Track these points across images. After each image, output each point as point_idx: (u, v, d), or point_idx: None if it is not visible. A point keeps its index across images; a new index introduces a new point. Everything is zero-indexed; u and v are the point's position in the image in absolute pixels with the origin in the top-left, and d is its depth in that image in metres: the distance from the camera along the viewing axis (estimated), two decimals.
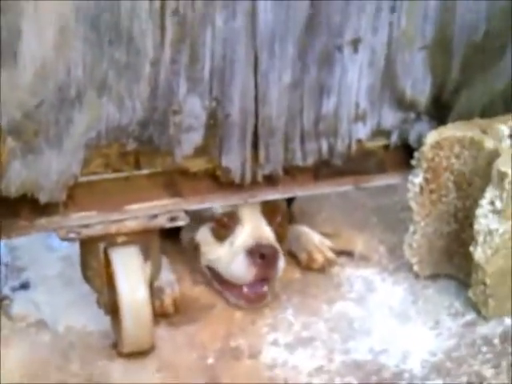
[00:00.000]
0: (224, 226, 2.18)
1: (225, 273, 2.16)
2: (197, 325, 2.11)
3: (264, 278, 2.13)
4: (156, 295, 2.10)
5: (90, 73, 1.81)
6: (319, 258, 2.31)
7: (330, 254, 2.33)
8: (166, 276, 2.17)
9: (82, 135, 1.88)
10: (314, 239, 2.37)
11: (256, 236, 2.14)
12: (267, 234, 2.17)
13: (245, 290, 2.14)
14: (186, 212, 2.05)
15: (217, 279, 2.20)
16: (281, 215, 2.25)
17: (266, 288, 2.15)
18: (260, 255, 2.09)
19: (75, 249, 2.06)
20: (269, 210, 2.20)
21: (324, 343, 2.06)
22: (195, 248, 2.24)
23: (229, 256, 2.15)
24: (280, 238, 2.22)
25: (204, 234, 2.22)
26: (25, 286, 2.25)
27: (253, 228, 2.16)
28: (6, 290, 2.23)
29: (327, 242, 2.37)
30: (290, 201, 2.37)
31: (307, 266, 2.32)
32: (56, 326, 2.11)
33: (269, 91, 2.00)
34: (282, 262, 2.14)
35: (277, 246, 2.15)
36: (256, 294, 2.14)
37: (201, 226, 2.21)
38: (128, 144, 1.95)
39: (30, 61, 1.75)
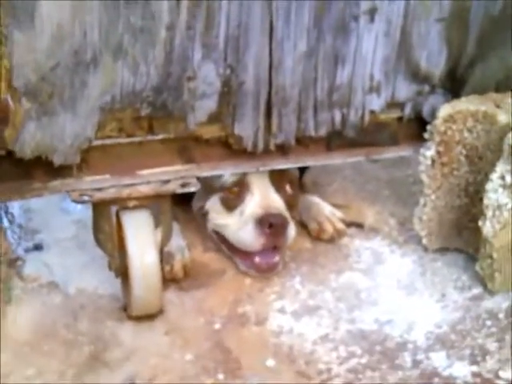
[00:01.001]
0: (234, 196, 2.20)
1: (234, 240, 2.18)
2: (205, 290, 2.14)
3: (273, 247, 2.15)
4: (166, 260, 2.13)
5: (106, 36, 1.82)
6: (329, 229, 2.33)
7: (340, 225, 2.34)
8: (177, 242, 2.19)
9: (97, 99, 1.89)
10: (325, 210, 2.38)
11: (265, 205, 2.15)
12: (277, 203, 2.18)
13: (256, 259, 2.16)
14: (198, 180, 2.06)
15: (225, 244, 2.22)
16: (291, 184, 2.26)
17: (277, 258, 2.17)
18: (269, 224, 2.10)
19: (88, 213, 2.08)
20: (278, 179, 2.21)
21: (330, 312, 2.08)
22: (204, 215, 2.26)
23: (238, 224, 2.16)
24: (290, 206, 2.23)
25: (214, 203, 2.24)
26: (38, 248, 2.28)
27: (262, 197, 2.17)
28: (20, 251, 2.27)
29: (338, 213, 2.38)
30: (302, 170, 2.38)
31: (317, 237, 2.33)
32: (67, 287, 2.14)
33: (283, 60, 2.00)
34: (291, 231, 2.16)
35: (286, 214, 2.16)
36: (267, 264, 2.16)
37: (211, 195, 2.23)
38: (142, 109, 1.96)
39: (46, 23, 1.76)
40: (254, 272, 2.17)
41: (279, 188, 2.21)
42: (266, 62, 1.99)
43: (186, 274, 2.17)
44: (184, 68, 1.94)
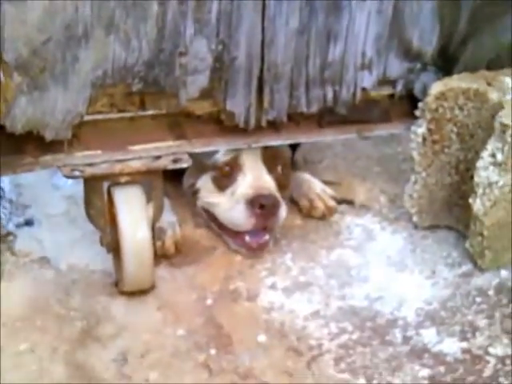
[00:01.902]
0: (225, 175, 2.18)
1: (224, 220, 2.18)
2: (197, 266, 2.14)
3: (264, 227, 2.14)
4: (157, 236, 2.13)
5: (98, 11, 1.82)
6: (320, 206, 2.33)
7: (331, 203, 2.34)
8: (168, 217, 2.19)
9: (88, 73, 1.88)
10: (316, 187, 2.38)
11: (257, 186, 2.14)
12: (268, 183, 2.17)
13: (246, 238, 2.15)
14: (189, 157, 2.06)
15: (215, 223, 2.22)
16: (283, 163, 2.25)
17: (267, 237, 2.16)
18: (260, 205, 2.10)
19: (79, 188, 2.07)
20: (271, 159, 2.21)
21: (321, 288, 2.09)
22: (194, 192, 2.26)
23: (229, 204, 2.16)
24: (282, 186, 2.23)
25: (205, 182, 2.23)
26: (29, 223, 2.28)
27: (254, 178, 2.16)
28: (10, 226, 2.26)
29: (329, 191, 2.38)
30: (293, 148, 2.38)
31: (308, 214, 2.34)
32: (59, 263, 2.14)
33: (275, 36, 2.00)
34: (283, 212, 2.15)
35: (277, 195, 2.15)
36: (257, 243, 2.16)
37: (203, 173, 2.22)
38: (133, 84, 1.96)
39: None
40: (244, 251, 2.17)
41: (271, 168, 2.20)
42: (259, 38, 1.99)
43: (177, 249, 2.17)
44: (176, 43, 1.93)
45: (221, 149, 2.15)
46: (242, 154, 2.17)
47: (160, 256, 2.13)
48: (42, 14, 1.77)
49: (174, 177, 2.21)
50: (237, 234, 2.17)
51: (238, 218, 2.13)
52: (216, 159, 2.18)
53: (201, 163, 2.19)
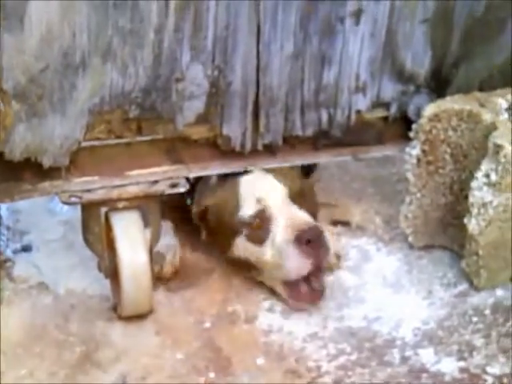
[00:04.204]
0: (258, 229, 2.08)
1: (277, 274, 2.06)
2: (194, 290, 2.15)
3: (319, 264, 2.02)
4: (155, 261, 2.12)
5: (95, 39, 1.84)
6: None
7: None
8: (169, 241, 2.18)
9: (86, 101, 1.90)
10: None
11: (294, 224, 2.03)
12: (304, 217, 2.06)
13: (302, 288, 2.06)
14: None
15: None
16: (307, 195, 2.19)
17: (322, 282, 2.07)
18: (306, 241, 1.99)
19: (77, 213, 2.09)
20: (296, 195, 2.11)
21: (319, 310, 2.09)
22: (246, 266, 2.13)
23: (276, 254, 2.03)
24: (314, 214, 2.12)
25: (242, 245, 2.11)
26: (27, 249, 2.28)
27: (288, 218, 2.05)
28: (8, 253, 2.27)
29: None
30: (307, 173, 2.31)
31: None
32: (57, 288, 2.14)
33: (270, 61, 2.03)
34: (329, 240, 2.05)
35: (317, 224, 2.05)
36: (313, 292, 2.07)
37: (235, 238, 2.11)
38: (131, 110, 1.97)
39: (36, 25, 1.78)
40: (303, 304, 2.07)
41: (301, 203, 2.10)
42: (254, 63, 2.01)
43: (176, 274, 2.16)
44: (172, 69, 1.96)
45: (218, 172, 2.14)
46: (267, 201, 2.07)
47: (158, 280, 2.12)
48: (39, 42, 1.79)
49: (173, 200, 2.20)
50: (292, 288, 2.06)
51: (291, 265, 2.01)
52: (241, 217, 2.09)
53: (227, 229, 2.12)
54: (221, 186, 2.16)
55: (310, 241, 1.99)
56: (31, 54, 1.80)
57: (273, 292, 2.13)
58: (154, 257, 2.08)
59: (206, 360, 1.94)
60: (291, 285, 2.06)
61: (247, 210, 2.09)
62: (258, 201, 2.09)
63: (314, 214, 2.13)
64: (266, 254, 2.06)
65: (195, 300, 2.12)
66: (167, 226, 2.19)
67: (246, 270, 2.15)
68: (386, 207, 2.46)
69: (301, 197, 2.13)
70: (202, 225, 2.21)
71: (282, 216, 2.06)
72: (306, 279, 2.05)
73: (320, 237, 2.01)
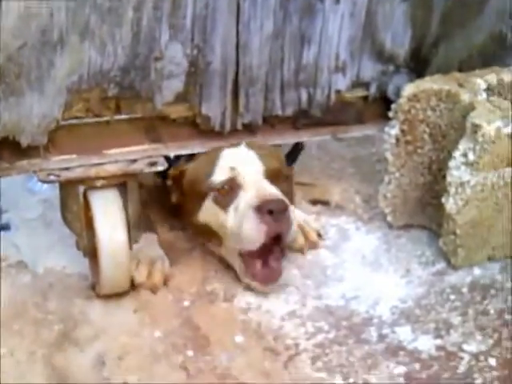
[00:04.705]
0: (226, 194, 2.08)
1: (235, 240, 2.05)
2: (173, 268, 2.15)
3: (277, 235, 2.01)
4: (145, 262, 2.10)
5: (73, 16, 1.83)
6: (300, 240, 2.23)
7: (314, 237, 2.25)
8: (156, 252, 2.15)
9: (64, 79, 1.89)
10: (299, 218, 2.25)
11: (261, 194, 2.03)
12: (272, 190, 2.06)
13: (258, 266, 2.06)
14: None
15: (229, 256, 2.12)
16: (287, 181, 2.19)
17: (280, 263, 2.07)
18: (268, 211, 1.98)
19: (55, 192, 2.09)
20: (272, 175, 2.11)
21: (297, 289, 2.11)
22: (209, 233, 2.14)
23: (237, 221, 2.04)
24: (287, 197, 2.09)
25: (207, 209, 2.12)
26: (5, 228, 2.28)
27: (256, 189, 2.05)
28: None
29: (313, 224, 2.28)
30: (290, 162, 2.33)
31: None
32: (36, 267, 2.15)
33: (250, 40, 2.02)
34: (293, 216, 2.04)
35: (284, 198, 2.04)
36: (270, 271, 2.06)
37: (202, 202, 2.12)
38: (109, 89, 1.97)
39: (13, 3, 1.76)
40: (256, 284, 2.07)
41: (274, 183, 2.10)
42: (233, 43, 2.01)
43: (165, 283, 2.10)
44: (151, 48, 1.95)
45: (196, 151, 2.14)
46: (240, 172, 2.08)
47: (147, 287, 2.07)
48: (16, 20, 1.78)
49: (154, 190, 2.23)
50: (249, 265, 2.07)
51: (248, 231, 2.01)
52: (212, 182, 2.10)
53: (199, 192, 2.13)
54: (202, 154, 2.15)
55: (271, 212, 1.99)
56: (8, 31, 1.79)
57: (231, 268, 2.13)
58: (144, 259, 2.09)
59: (185, 338, 1.95)
60: (248, 261, 2.06)
61: (219, 176, 2.11)
62: (232, 169, 2.10)
63: (287, 197, 2.10)
64: (229, 219, 2.07)
65: (174, 278, 2.12)
66: (152, 238, 2.18)
67: (208, 239, 2.17)
68: (365, 187, 2.47)
69: (277, 179, 2.12)
70: (175, 188, 2.20)
71: (251, 186, 2.07)
72: (265, 259, 2.05)
73: (283, 211, 2.00)
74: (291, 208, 2.05)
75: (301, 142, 2.33)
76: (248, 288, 2.09)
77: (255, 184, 2.07)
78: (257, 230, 2.00)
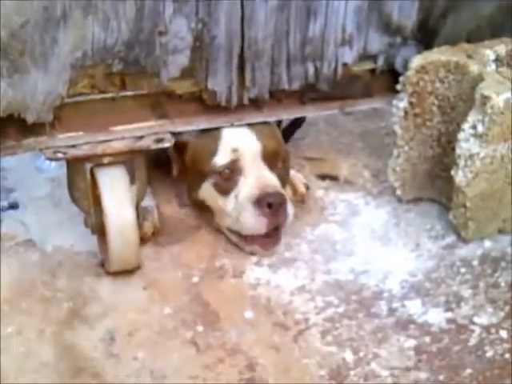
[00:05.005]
0: (227, 179, 2.11)
1: (234, 226, 2.11)
2: (182, 245, 2.15)
3: (276, 227, 2.08)
4: (142, 216, 2.11)
5: None
6: (288, 194, 2.22)
7: (302, 189, 2.30)
8: (147, 202, 2.15)
9: (68, 55, 1.88)
10: None
11: (260, 185, 2.07)
12: (272, 181, 2.10)
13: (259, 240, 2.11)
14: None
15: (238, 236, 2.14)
16: (283, 158, 2.19)
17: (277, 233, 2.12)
18: (267, 204, 2.04)
19: (63, 170, 2.08)
20: (270, 156, 2.14)
21: (306, 264, 2.10)
22: (206, 209, 2.18)
23: (235, 209, 2.08)
24: (283, 181, 2.17)
25: (207, 190, 2.15)
26: (13, 207, 2.27)
27: (256, 177, 2.09)
28: None
29: (300, 177, 2.33)
30: (286, 139, 2.35)
31: None
32: (44, 245, 2.14)
33: (255, 13, 2.00)
34: (290, 208, 2.10)
35: (283, 191, 2.10)
36: (268, 237, 2.10)
37: (203, 182, 2.15)
38: (114, 65, 1.95)
39: None
40: (258, 249, 2.11)
41: (272, 166, 2.13)
42: (238, 16, 1.99)
43: (154, 234, 2.15)
44: (155, 23, 1.93)
45: (203, 127, 2.13)
46: (241, 154, 2.11)
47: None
48: None
49: (156, 159, 2.20)
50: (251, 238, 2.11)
51: (248, 222, 2.06)
52: (214, 164, 2.11)
53: (199, 171, 2.14)
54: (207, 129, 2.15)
55: (270, 205, 2.04)
56: (11, 8, 1.77)
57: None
58: (141, 212, 2.08)
59: (194, 314, 1.95)
60: (247, 237, 2.11)
61: (222, 158, 2.11)
62: (234, 151, 2.11)
63: (283, 181, 2.16)
64: (228, 205, 2.11)
65: (183, 255, 2.12)
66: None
67: (207, 213, 2.18)
68: (374, 161, 2.45)
69: (274, 160, 2.15)
70: (177, 159, 2.20)
71: (251, 173, 2.10)
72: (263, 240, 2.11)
73: (282, 204, 2.06)
74: (288, 201, 2.10)
75: (298, 119, 2.36)
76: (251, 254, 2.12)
77: (255, 170, 2.10)
78: (256, 221, 2.06)
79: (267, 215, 2.05)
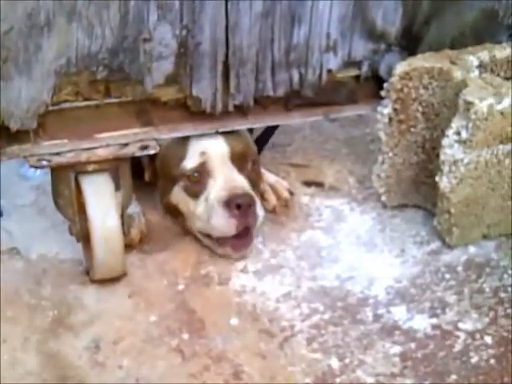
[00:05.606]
0: (196, 182, 2.12)
1: (206, 229, 2.12)
2: (167, 252, 2.15)
3: (246, 229, 2.09)
4: (127, 223, 2.11)
5: None
6: (271, 199, 2.29)
7: (286, 194, 2.31)
8: (132, 208, 2.15)
9: (52, 62, 1.88)
10: (269, 178, 2.33)
11: (229, 187, 2.08)
12: (240, 182, 2.11)
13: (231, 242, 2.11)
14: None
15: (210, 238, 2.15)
16: (252, 160, 2.20)
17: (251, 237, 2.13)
18: (236, 206, 2.05)
19: (47, 178, 2.07)
20: (239, 157, 2.15)
21: (292, 270, 2.10)
22: (178, 213, 2.19)
23: (205, 212, 2.10)
24: (254, 183, 2.17)
25: (178, 194, 2.16)
26: None
27: (225, 180, 2.10)
28: None
29: (284, 183, 2.34)
30: (260, 146, 2.37)
31: None
32: (29, 253, 2.13)
33: (240, 20, 2.00)
34: (260, 209, 2.11)
35: (252, 192, 2.10)
36: (242, 243, 2.12)
37: (173, 186, 2.16)
38: (98, 72, 1.95)
39: None
40: (230, 252, 2.12)
41: (241, 167, 2.14)
42: (223, 23, 1.99)
43: (141, 240, 2.16)
44: (139, 30, 1.93)
45: (188, 134, 2.12)
46: (210, 157, 2.12)
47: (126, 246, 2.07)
48: (2, 4, 1.76)
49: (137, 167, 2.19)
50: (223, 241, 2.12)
51: (218, 224, 2.07)
52: (183, 167, 2.13)
53: (170, 175, 2.16)
54: None
55: (239, 206, 2.05)
56: None
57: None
58: (126, 220, 2.08)
59: (180, 322, 1.94)
60: (219, 239, 2.13)
61: (191, 161, 2.13)
62: (202, 154, 2.12)
63: (254, 183, 2.16)
64: (198, 208, 2.12)
65: (168, 262, 2.12)
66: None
67: (180, 217, 2.19)
68: (359, 167, 2.46)
69: (243, 163, 2.15)
70: (148, 165, 2.21)
71: (220, 176, 2.11)
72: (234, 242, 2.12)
73: (251, 205, 2.06)
74: (258, 202, 2.11)
75: (271, 127, 2.38)
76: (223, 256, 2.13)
77: (224, 172, 2.12)
78: (225, 223, 2.06)
79: (236, 216, 2.05)
